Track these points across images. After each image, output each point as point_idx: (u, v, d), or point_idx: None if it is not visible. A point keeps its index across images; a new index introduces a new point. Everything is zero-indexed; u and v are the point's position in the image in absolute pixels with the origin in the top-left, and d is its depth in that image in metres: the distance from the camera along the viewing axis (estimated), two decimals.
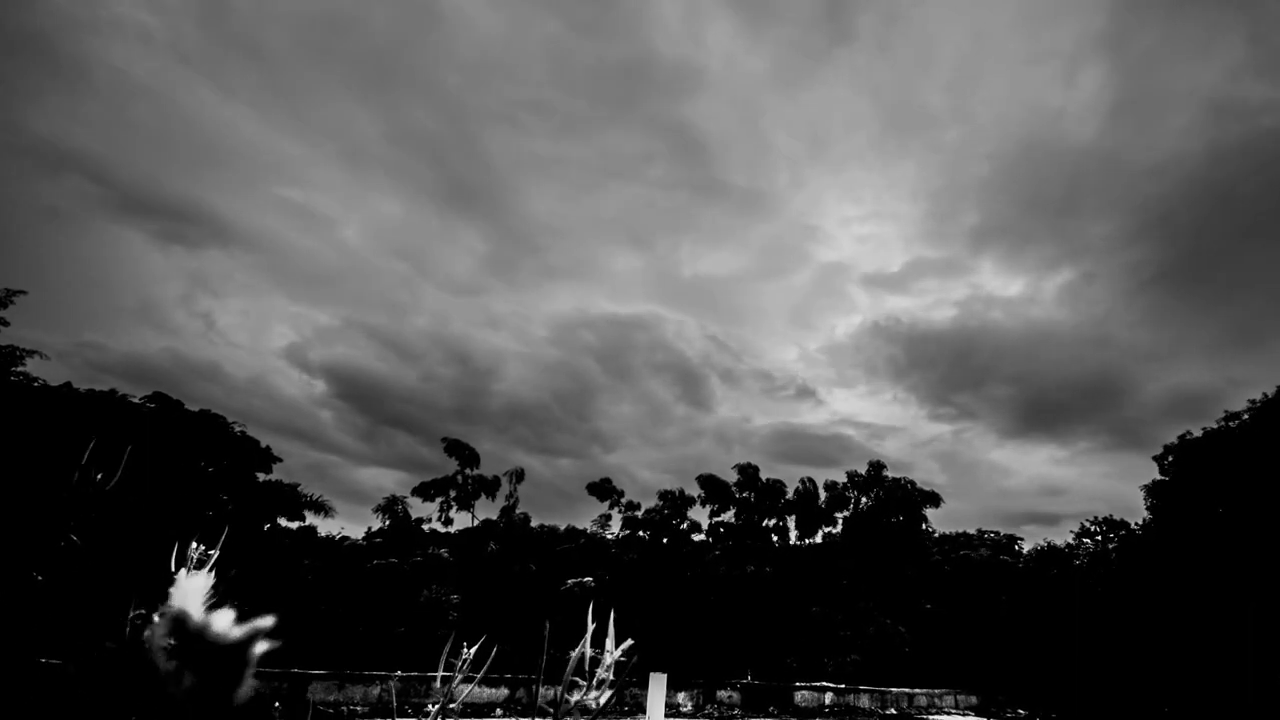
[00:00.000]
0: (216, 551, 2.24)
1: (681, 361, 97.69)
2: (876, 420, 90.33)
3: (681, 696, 17.69)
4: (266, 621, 0.47)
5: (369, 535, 37.69)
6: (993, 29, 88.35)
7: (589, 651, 1.53)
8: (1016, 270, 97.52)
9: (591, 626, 1.64)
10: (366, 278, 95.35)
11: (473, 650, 2.07)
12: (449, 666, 1.99)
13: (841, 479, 37.44)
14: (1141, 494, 29.28)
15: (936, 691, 25.72)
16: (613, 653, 1.62)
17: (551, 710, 1.61)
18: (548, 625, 1.56)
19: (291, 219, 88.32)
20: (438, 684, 1.95)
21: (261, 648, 0.48)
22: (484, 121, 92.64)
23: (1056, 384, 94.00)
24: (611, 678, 1.64)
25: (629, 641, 1.62)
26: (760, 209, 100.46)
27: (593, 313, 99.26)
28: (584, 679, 1.62)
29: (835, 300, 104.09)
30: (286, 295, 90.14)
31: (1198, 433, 27.70)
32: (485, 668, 2.05)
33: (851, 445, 79.52)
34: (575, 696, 1.71)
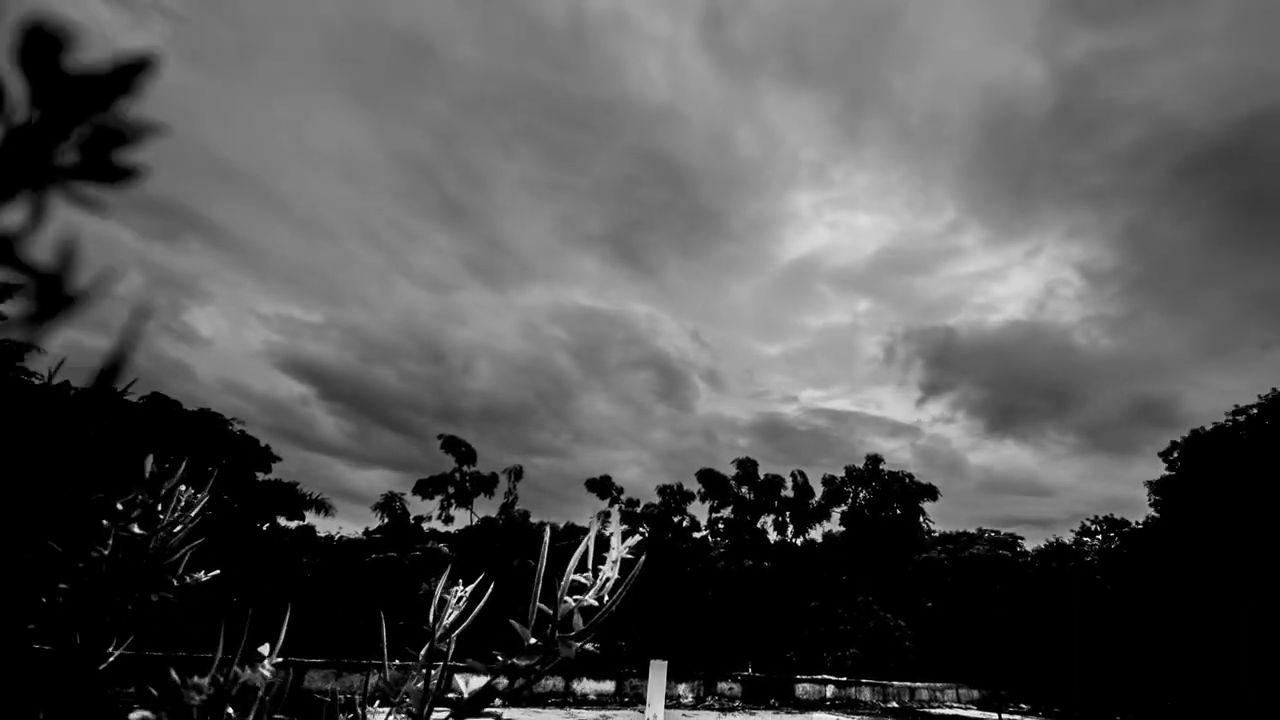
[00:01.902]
0: (205, 495, 2.20)
1: (662, 360, 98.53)
2: (859, 420, 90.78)
3: (682, 688, 17.60)
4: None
5: (368, 533, 37.60)
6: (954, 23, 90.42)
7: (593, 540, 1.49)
8: (993, 272, 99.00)
9: (598, 521, 1.58)
10: (348, 278, 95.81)
11: (469, 589, 2.01)
12: (442, 604, 1.93)
13: (839, 474, 37.44)
14: (1134, 493, 29.32)
15: (938, 685, 25.66)
16: (619, 548, 1.57)
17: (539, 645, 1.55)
18: (544, 556, 1.54)
19: (274, 218, 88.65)
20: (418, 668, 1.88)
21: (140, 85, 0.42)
22: (470, 143, 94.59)
23: (1030, 387, 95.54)
24: (616, 577, 1.59)
25: (636, 538, 1.57)
26: (736, 214, 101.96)
27: (573, 313, 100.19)
28: (591, 575, 1.57)
29: (813, 300, 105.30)
30: (267, 294, 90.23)
31: (1208, 428, 27.63)
32: (482, 603, 2.00)
33: (833, 444, 79.99)
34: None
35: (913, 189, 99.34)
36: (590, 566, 1.65)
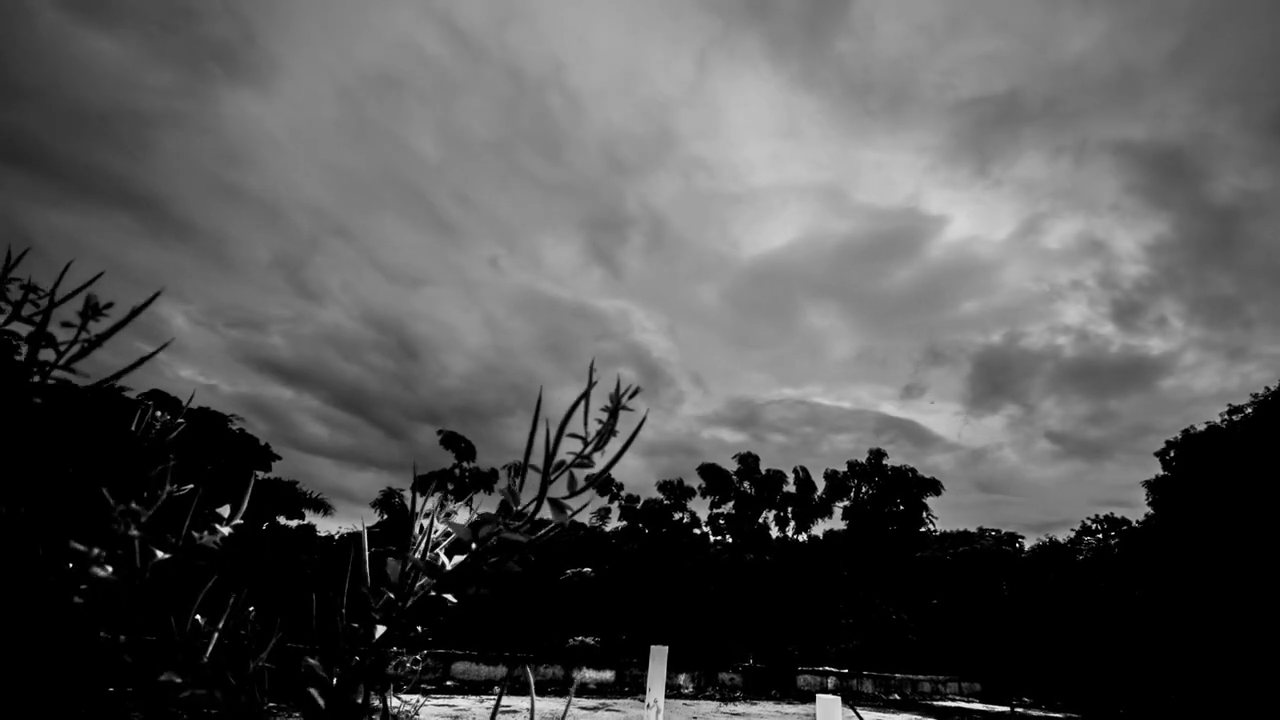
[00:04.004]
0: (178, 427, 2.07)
1: (640, 356, 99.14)
2: (838, 417, 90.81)
3: (683, 678, 17.44)
4: None
5: (369, 530, 37.50)
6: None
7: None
8: (970, 269, 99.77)
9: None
10: (325, 277, 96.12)
11: (457, 505, 1.85)
12: (420, 528, 1.76)
13: (840, 469, 37.29)
14: (1125, 495, 29.41)
15: (940, 678, 25.54)
16: (620, 396, 1.44)
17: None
18: (538, 407, 1.39)
19: (247, 213, 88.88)
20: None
21: None
22: (457, 168, 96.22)
23: (1011, 387, 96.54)
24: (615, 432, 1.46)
25: (638, 391, 1.45)
26: (709, 217, 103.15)
27: (547, 308, 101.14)
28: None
29: (789, 299, 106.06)
30: (242, 291, 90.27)
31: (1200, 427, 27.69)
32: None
33: (813, 442, 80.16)
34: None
35: (882, 180, 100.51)
36: (586, 424, 1.52)
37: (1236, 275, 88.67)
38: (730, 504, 37.38)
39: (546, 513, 1.54)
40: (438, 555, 1.46)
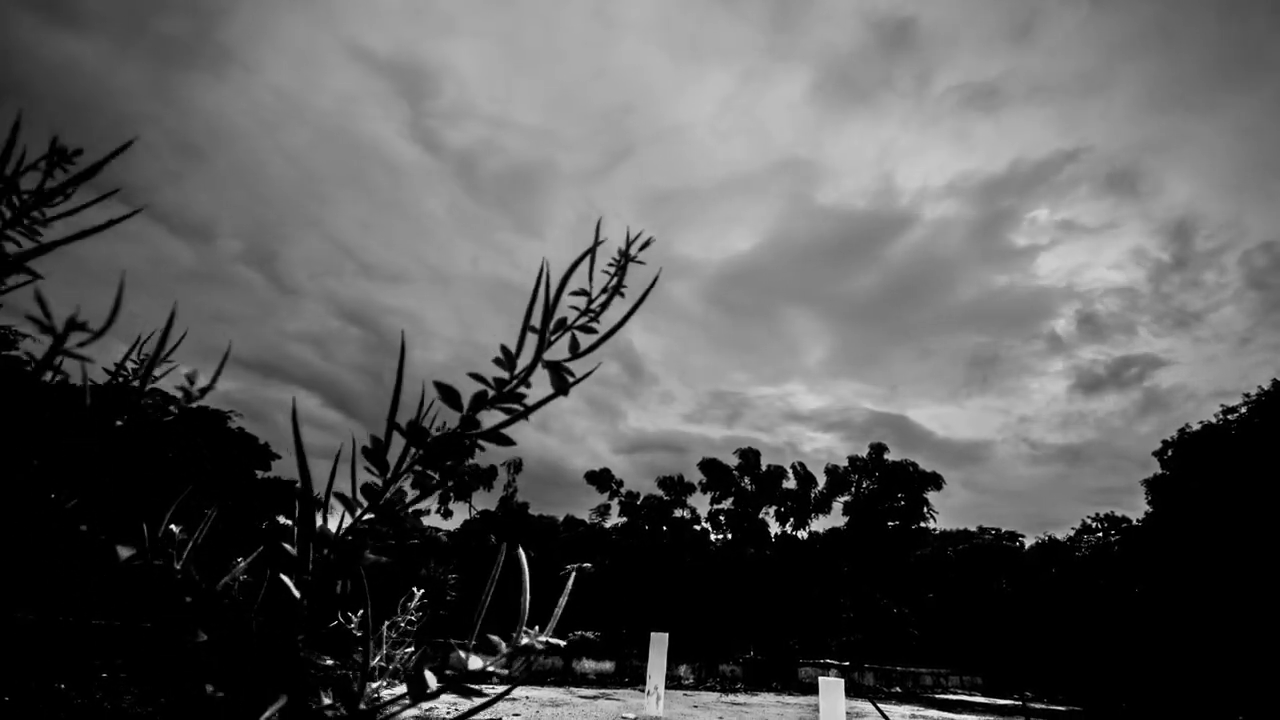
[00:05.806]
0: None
1: (624, 354, 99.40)
2: (824, 420, 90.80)
3: (683, 669, 17.35)
4: None
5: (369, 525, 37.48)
6: None
7: None
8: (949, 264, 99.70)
9: None
10: (307, 272, 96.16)
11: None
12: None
13: (841, 464, 37.22)
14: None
15: (941, 671, 25.46)
16: (631, 248, 1.31)
17: None
18: (543, 273, 1.22)
19: (225, 208, 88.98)
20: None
21: None
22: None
23: (992, 383, 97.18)
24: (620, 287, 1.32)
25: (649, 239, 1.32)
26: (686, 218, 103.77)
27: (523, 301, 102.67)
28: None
29: (766, 301, 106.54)
30: (217, 287, 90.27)
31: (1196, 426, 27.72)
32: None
33: (799, 443, 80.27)
34: None
35: (856, 175, 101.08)
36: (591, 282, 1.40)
37: (1202, 292, 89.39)
38: (730, 500, 37.27)
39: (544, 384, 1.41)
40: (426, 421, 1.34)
